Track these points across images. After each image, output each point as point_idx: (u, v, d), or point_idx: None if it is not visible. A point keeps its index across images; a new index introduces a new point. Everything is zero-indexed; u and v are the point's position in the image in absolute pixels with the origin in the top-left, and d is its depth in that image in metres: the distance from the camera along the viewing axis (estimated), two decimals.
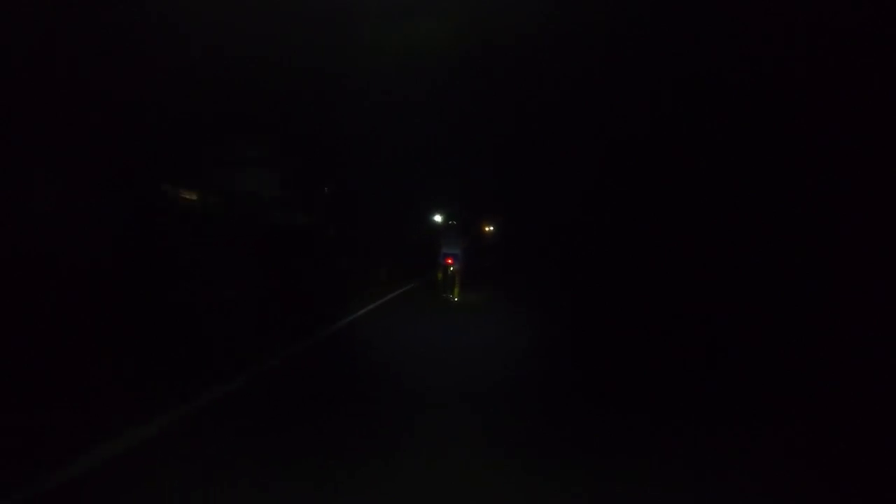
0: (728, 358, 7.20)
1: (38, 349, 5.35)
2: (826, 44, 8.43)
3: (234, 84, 11.10)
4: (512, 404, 5.17)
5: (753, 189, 10.27)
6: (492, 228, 39.95)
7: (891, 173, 7.68)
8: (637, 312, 11.52)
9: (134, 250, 7.99)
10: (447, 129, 22.15)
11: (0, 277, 5.98)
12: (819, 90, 8.87)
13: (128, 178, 8.95)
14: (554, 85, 15.87)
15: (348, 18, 11.43)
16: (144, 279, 7.75)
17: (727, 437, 4.18)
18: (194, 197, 12.51)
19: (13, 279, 6.05)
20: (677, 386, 5.91)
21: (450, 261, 14.22)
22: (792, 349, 7.19)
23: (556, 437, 4.23)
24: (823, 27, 8.34)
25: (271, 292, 10.70)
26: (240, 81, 11.19)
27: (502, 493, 3.20)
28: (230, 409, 4.73)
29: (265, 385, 5.56)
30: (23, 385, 4.75)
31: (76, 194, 7.61)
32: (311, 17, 10.88)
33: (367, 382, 5.98)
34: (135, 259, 7.87)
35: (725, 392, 5.58)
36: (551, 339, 9.39)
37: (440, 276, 14.44)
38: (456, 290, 14.22)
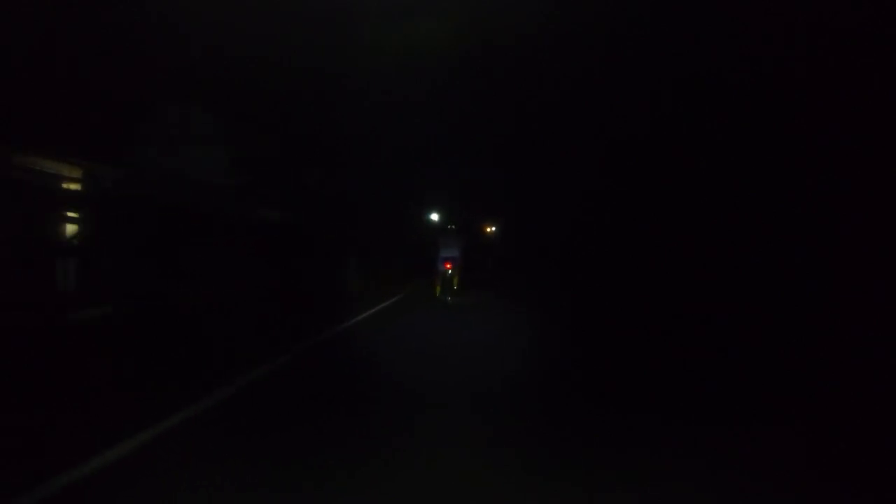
0: (728, 358, 7.20)
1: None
2: (826, 44, 8.43)
3: (233, 84, 11.08)
4: (512, 404, 5.17)
5: (753, 189, 10.27)
6: (493, 229, 39.17)
7: (891, 173, 7.68)
8: (637, 312, 11.53)
9: None
10: (447, 129, 22.13)
11: None
12: (819, 90, 8.87)
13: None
14: (554, 85, 15.86)
15: (348, 18, 11.42)
16: None
17: (727, 437, 4.18)
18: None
19: None
20: (677, 386, 5.91)
21: (448, 265, 14.34)
22: (792, 349, 7.19)
23: (556, 436, 4.23)
24: (823, 27, 8.34)
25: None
26: (240, 81, 11.17)
27: (502, 493, 3.20)
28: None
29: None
30: (23, 388, 4.75)
31: None
32: (311, 17, 10.88)
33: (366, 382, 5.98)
34: None
35: (725, 392, 5.57)
36: (551, 339, 9.39)
37: (439, 279, 14.52)
38: (454, 293, 14.26)
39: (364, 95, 15.91)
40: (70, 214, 8.20)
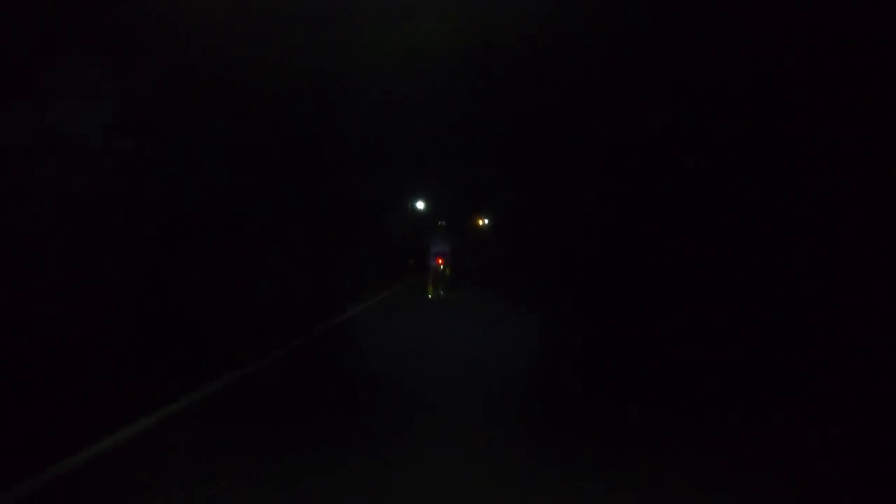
0: (728, 358, 7.20)
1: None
2: (826, 44, 8.43)
3: (233, 84, 11.08)
4: (511, 404, 5.17)
5: (753, 189, 10.27)
6: (485, 222, 38.13)
7: (891, 173, 7.68)
8: (637, 312, 11.52)
9: None
10: (447, 129, 22.12)
11: None
12: (819, 90, 8.87)
13: None
14: (554, 85, 15.86)
15: (348, 18, 11.42)
16: None
17: (727, 437, 4.18)
18: None
19: None
20: (677, 386, 5.91)
21: (440, 260, 14.52)
22: (792, 349, 7.19)
23: (555, 436, 4.23)
24: (823, 27, 8.34)
25: None
26: (239, 81, 11.16)
27: (502, 492, 3.20)
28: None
29: None
30: (20, 382, 4.75)
31: None
32: (311, 17, 10.87)
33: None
34: None
35: (725, 392, 5.57)
36: (550, 338, 9.38)
37: (431, 275, 14.66)
38: (446, 288, 14.35)
39: (364, 95, 15.91)
40: None
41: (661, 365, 6.93)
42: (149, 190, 9.53)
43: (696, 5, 10.35)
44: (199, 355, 6.65)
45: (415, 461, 3.62)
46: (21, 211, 6.80)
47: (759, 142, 10.29)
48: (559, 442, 4.10)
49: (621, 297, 13.41)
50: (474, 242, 30.06)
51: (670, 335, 8.99)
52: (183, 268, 9.34)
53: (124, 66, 8.58)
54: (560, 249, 20.93)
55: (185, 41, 9.48)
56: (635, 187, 14.78)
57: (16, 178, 6.77)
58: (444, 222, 15.91)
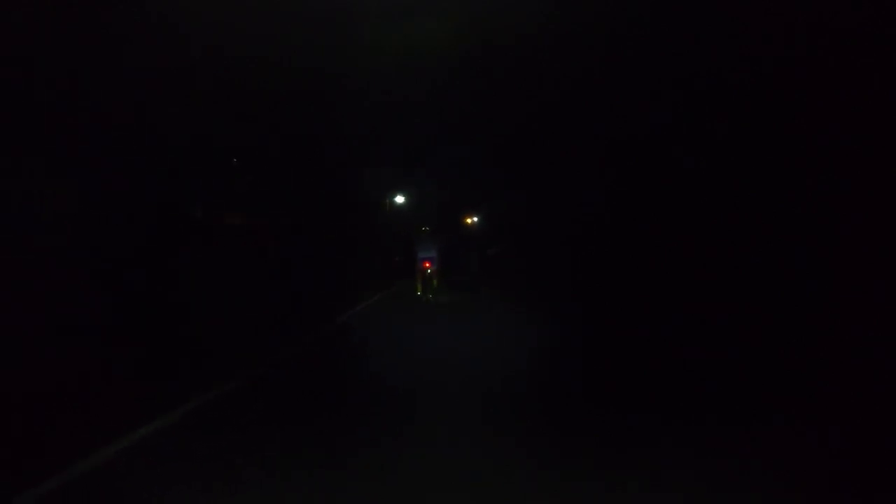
0: (728, 358, 7.20)
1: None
2: (826, 44, 8.42)
3: (233, 84, 11.07)
4: (511, 405, 5.16)
5: (753, 189, 10.26)
6: (475, 220, 35.92)
7: (891, 173, 7.68)
8: (637, 312, 11.52)
9: None
10: (446, 129, 22.13)
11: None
12: (819, 90, 8.86)
13: None
14: (554, 85, 15.86)
15: (348, 18, 11.42)
16: None
17: (727, 437, 4.18)
18: None
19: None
20: (677, 386, 5.91)
21: (427, 264, 14.72)
22: (792, 349, 7.19)
23: (555, 436, 4.23)
24: (823, 27, 8.34)
25: None
26: (239, 81, 11.16)
27: (502, 492, 3.20)
28: None
29: None
30: (28, 383, 4.76)
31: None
32: (311, 17, 10.87)
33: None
34: None
35: (725, 392, 5.57)
36: (549, 338, 9.38)
37: (418, 278, 14.82)
38: (433, 291, 14.44)
39: (364, 95, 15.91)
40: None
41: (661, 365, 6.93)
42: (149, 190, 9.52)
43: (696, 5, 10.35)
44: (198, 359, 6.65)
45: (415, 462, 3.62)
46: (21, 211, 6.80)
47: (759, 142, 10.28)
48: (559, 442, 4.10)
49: (621, 297, 13.40)
50: (463, 244, 27.91)
51: (670, 335, 8.99)
52: (181, 268, 9.33)
53: (124, 66, 8.58)
54: (559, 249, 20.90)
55: (186, 41, 9.47)
56: (635, 187, 14.77)
57: (13, 178, 6.76)
58: (427, 228, 16.02)
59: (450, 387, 5.74)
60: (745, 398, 5.35)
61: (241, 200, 14.00)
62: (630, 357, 7.54)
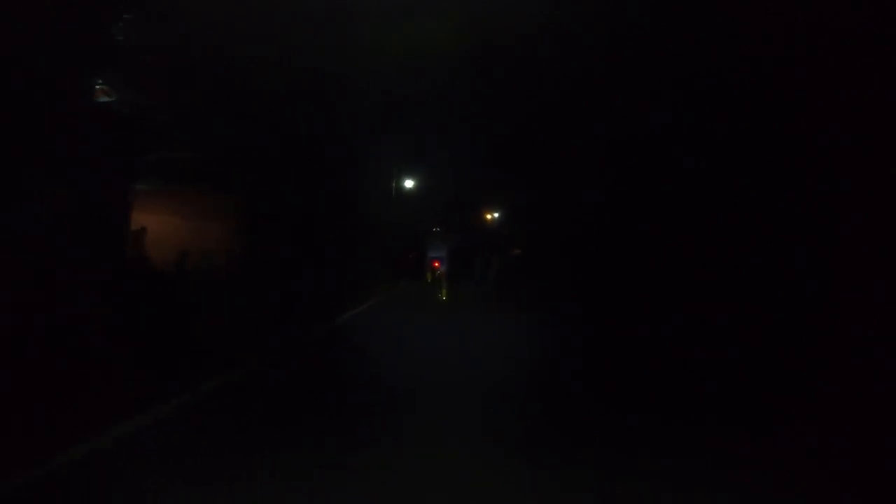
0: (728, 358, 7.20)
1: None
2: (826, 44, 8.42)
3: (234, 84, 11.07)
4: (512, 404, 5.16)
5: (753, 189, 10.26)
6: (495, 216, 31.44)
7: (891, 173, 7.68)
8: (637, 312, 11.52)
9: None
10: (446, 128, 22.12)
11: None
12: (819, 90, 8.86)
13: None
14: (554, 85, 15.86)
15: (348, 18, 11.42)
16: None
17: (727, 437, 4.18)
18: None
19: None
20: (677, 386, 5.91)
21: (437, 264, 14.98)
22: (792, 349, 7.19)
23: (555, 435, 4.22)
24: (823, 27, 8.34)
25: None
26: (239, 81, 11.15)
27: (502, 492, 3.20)
28: None
29: None
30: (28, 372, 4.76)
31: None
32: (311, 17, 10.87)
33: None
34: None
35: (725, 392, 5.57)
36: (550, 338, 9.38)
37: (429, 277, 15.06)
38: (444, 291, 14.55)
39: (364, 95, 15.90)
40: None
41: (661, 365, 6.93)
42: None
43: (696, 5, 10.35)
44: (198, 358, 6.62)
45: (415, 459, 3.62)
46: (21, 210, 6.78)
47: (759, 142, 10.28)
48: (559, 442, 4.09)
49: (621, 297, 13.40)
50: (476, 243, 25.19)
51: (670, 335, 8.99)
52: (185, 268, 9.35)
53: (124, 66, 8.58)
54: (559, 249, 20.88)
55: (186, 41, 9.47)
56: (635, 187, 14.78)
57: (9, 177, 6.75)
58: (438, 228, 16.07)
59: (451, 387, 5.74)
60: (745, 398, 5.35)
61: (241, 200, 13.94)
62: (630, 357, 7.54)
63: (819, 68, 8.72)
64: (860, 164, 8.20)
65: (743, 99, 10.32)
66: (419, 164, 25.40)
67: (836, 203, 8.55)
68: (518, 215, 26.15)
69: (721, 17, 9.87)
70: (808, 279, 8.55)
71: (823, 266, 8.46)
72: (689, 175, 12.20)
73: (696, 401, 5.29)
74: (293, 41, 11.10)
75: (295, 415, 4.67)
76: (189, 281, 9.96)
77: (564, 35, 12.77)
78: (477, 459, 3.69)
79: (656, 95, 12.77)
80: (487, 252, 23.77)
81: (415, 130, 21.60)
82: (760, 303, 9.08)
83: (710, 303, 9.87)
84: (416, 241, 22.72)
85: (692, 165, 12.04)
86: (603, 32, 12.44)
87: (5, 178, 6.47)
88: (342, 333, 9.77)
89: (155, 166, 10.97)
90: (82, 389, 4.84)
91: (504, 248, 24.92)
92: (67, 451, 3.49)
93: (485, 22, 11.97)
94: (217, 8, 9.27)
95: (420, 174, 26.43)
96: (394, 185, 24.47)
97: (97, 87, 8.60)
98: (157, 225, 12.03)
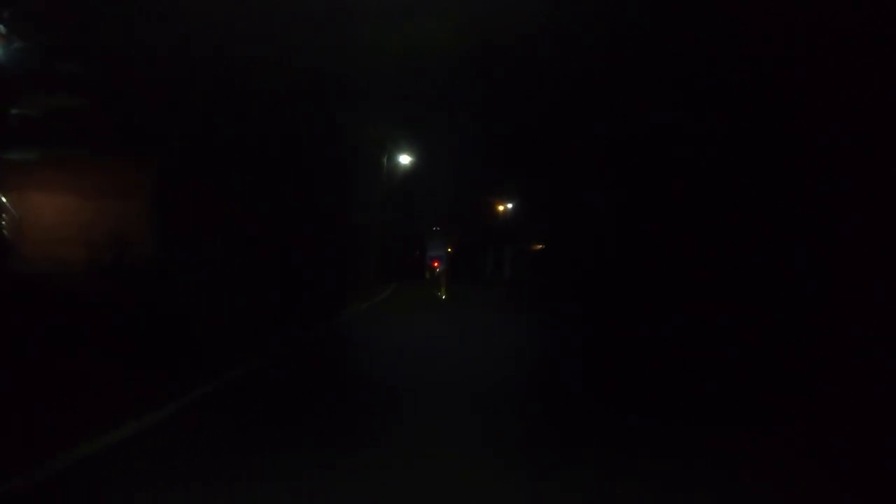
0: (728, 358, 7.20)
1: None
2: (826, 44, 8.42)
3: (234, 84, 11.04)
4: (511, 404, 5.16)
5: (753, 189, 10.26)
6: (508, 207, 27.24)
7: (891, 173, 7.68)
8: (637, 312, 11.51)
9: None
10: (446, 128, 22.09)
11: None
12: (819, 90, 8.86)
13: None
14: (554, 85, 15.87)
15: (348, 18, 11.42)
16: None
17: (727, 437, 4.18)
18: None
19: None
20: (677, 386, 5.91)
21: (436, 263, 14.98)
22: (792, 349, 7.19)
23: (555, 436, 4.22)
24: (823, 27, 8.34)
25: None
26: (239, 81, 11.12)
27: (502, 493, 3.19)
28: None
29: None
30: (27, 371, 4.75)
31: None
32: (311, 17, 10.87)
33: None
34: None
35: (725, 392, 5.57)
36: (550, 338, 9.38)
37: (428, 275, 15.07)
38: (443, 289, 14.59)
39: (364, 95, 15.89)
40: None
41: (661, 365, 6.93)
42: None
43: (696, 5, 10.36)
44: (190, 358, 6.59)
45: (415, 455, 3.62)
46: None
47: (759, 142, 10.28)
48: (559, 441, 4.09)
49: (621, 297, 13.39)
50: (492, 234, 21.89)
51: (670, 335, 8.99)
52: (184, 266, 9.22)
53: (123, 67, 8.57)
54: (559, 249, 20.85)
55: (186, 41, 9.46)
56: (634, 187, 14.77)
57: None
58: (437, 228, 15.98)
59: (449, 387, 5.73)
60: (745, 398, 5.35)
61: (241, 201, 13.04)
62: (630, 357, 7.54)
63: (819, 68, 8.72)
64: (860, 164, 8.20)
65: (743, 99, 10.32)
66: (417, 142, 22.62)
67: (835, 203, 8.55)
68: (536, 206, 22.66)
69: (721, 17, 9.87)
70: (808, 279, 8.55)
71: (823, 266, 8.46)
72: (689, 175, 12.20)
73: (696, 401, 5.29)
74: (293, 41, 11.09)
75: (291, 416, 4.66)
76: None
77: (564, 35, 12.79)
78: (477, 459, 3.68)
79: (656, 95, 12.77)
80: (501, 245, 21.50)
81: (414, 131, 21.48)
82: (760, 303, 9.08)
83: (710, 303, 9.87)
84: (417, 240, 22.02)
85: (692, 165, 12.04)
86: (603, 32, 12.46)
87: None
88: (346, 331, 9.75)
89: (39, 126, 8.61)
90: None
91: (519, 242, 22.16)
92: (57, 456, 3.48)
93: (485, 22, 11.98)
94: (217, 8, 9.26)
95: (418, 150, 22.39)
96: (385, 162, 20.35)
97: None
98: (50, 207, 9.59)
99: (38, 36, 8.02)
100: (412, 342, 8.82)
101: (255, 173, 11.27)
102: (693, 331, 9.05)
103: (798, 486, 3.35)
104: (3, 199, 8.88)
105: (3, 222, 8.79)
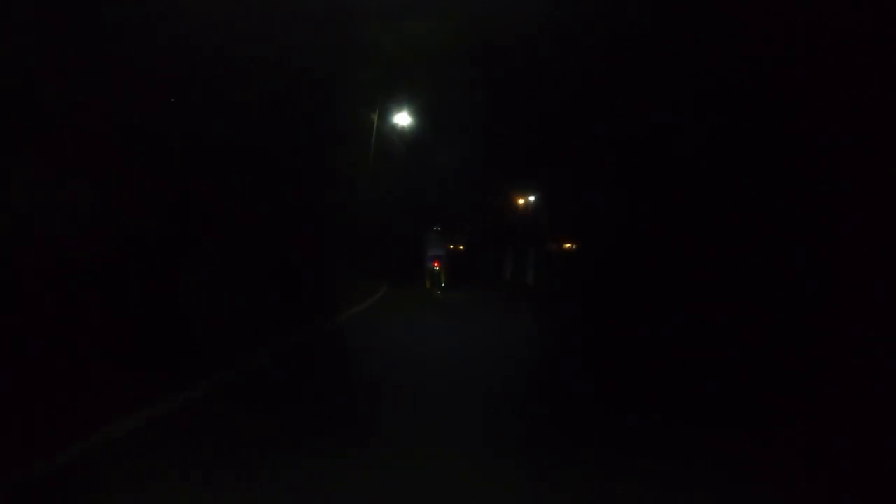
0: (728, 358, 7.20)
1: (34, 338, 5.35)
2: (826, 44, 8.43)
3: (233, 84, 11.04)
4: (511, 404, 5.15)
5: (753, 189, 10.27)
6: (530, 200, 23.18)
7: (891, 173, 7.68)
8: (637, 313, 11.52)
9: None
10: (445, 129, 22.05)
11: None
12: (819, 90, 8.87)
13: None
14: (554, 85, 15.88)
15: (348, 18, 11.42)
16: None
17: (727, 437, 4.18)
18: None
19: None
20: (677, 386, 5.91)
21: (436, 263, 14.96)
22: (792, 349, 7.19)
23: (555, 436, 4.22)
24: (823, 27, 8.35)
25: None
26: (238, 81, 11.12)
27: (502, 496, 3.19)
28: None
29: None
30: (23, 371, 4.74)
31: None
32: (311, 17, 10.88)
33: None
34: None
35: (725, 392, 5.57)
36: (550, 339, 9.37)
37: (428, 275, 15.06)
38: (443, 288, 14.60)
39: (364, 96, 15.88)
40: None
41: (662, 365, 6.93)
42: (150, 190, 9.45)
43: (696, 5, 10.37)
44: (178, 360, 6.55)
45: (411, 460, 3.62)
46: (21, 210, 6.77)
47: (760, 142, 10.28)
48: (559, 442, 4.09)
49: (621, 297, 13.39)
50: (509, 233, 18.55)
51: (670, 335, 8.99)
52: (187, 267, 9.17)
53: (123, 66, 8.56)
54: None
55: (185, 41, 9.46)
56: (635, 187, 14.78)
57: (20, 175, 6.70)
58: (438, 227, 15.79)
59: (449, 387, 5.73)
60: (745, 398, 5.35)
61: (242, 201, 12.74)
62: (630, 357, 7.54)
63: (819, 68, 8.73)
64: (860, 164, 8.21)
65: (743, 99, 10.33)
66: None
67: (836, 203, 8.56)
68: (563, 199, 19.69)
69: (721, 17, 9.88)
70: (808, 279, 8.56)
71: (823, 266, 8.46)
72: (689, 175, 12.21)
73: (696, 401, 5.29)
74: (293, 41, 11.09)
75: (279, 418, 4.65)
76: None
77: (564, 35, 12.80)
78: (477, 459, 3.68)
79: (656, 95, 12.78)
80: (523, 244, 18.54)
81: (414, 131, 21.22)
82: (760, 303, 9.09)
83: (710, 302, 9.87)
84: (413, 241, 20.16)
85: (692, 165, 12.05)
86: (603, 32, 12.47)
87: None
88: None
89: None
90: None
91: (543, 241, 19.29)
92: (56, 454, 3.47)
93: (485, 22, 12.00)
94: (217, 8, 9.25)
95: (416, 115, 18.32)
96: (373, 130, 16.00)
97: None
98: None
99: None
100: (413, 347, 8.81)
101: (244, 168, 11.15)
102: (693, 331, 9.06)
103: (798, 486, 3.35)
104: None
105: None
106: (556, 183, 19.17)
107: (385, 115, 16.75)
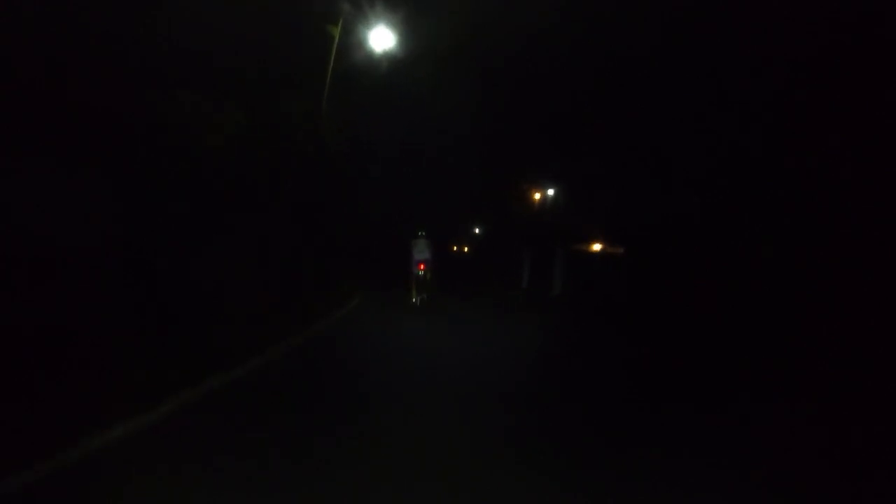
0: (728, 358, 7.20)
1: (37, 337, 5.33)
2: (826, 43, 8.43)
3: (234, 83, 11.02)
4: (511, 405, 5.15)
5: (754, 189, 10.26)
6: (548, 193, 20.02)
7: (891, 173, 7.67)
8: (638, 313, 11.51)
9: None
10: (446, 129, 22.01)
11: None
12: (819, 92, 8.86)
13: None
14: (555, 85, 15.88)
15: (348, 18, 11.41)
16: None
17: (727, 437, 4.18)
18: None
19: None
20: (677, 386, 5.91)
21: (422, 266, 14.91)
22: (792, 349, 7.19)
23: (555, 436, 4.21)
24: (823, 27, 8.34)
25: None
26: (240, 81, 11.10)
27: (500, 496, 3.18)
28: None
29: None
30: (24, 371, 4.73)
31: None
32: (314, 17, 10.88)
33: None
34: None
35: (725, 392, 5.57)
36: (550, 339, 9.37)
37: (413, 281, 14.92)
38: (426, 293, 14.51)
39: (364, 97, 15.87)
40: None
41: (661, 365, 6.93)
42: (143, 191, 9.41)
43: (696, 8, 10.37)
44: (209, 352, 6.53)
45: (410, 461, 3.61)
46: (20, 211, 6.75)
47: (760, 143, 10.28)
48: (558, 440, 4.09)
49: (622, 298, 13.39)
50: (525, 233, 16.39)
51: (671, 336, 8.99)
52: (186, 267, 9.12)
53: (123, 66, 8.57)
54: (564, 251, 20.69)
55: (186, 41, 9.47)
56: (636, 187, 14.77)
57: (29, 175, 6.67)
58: (423, 233, 15.40)
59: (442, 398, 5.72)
60: (745, 398, 5.35)
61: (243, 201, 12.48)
62: (630, 357, 7.54)
63: (820, 72, 8.72)
64: (860, 163, 8.20)
65: (744, 102, 10.32)
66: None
67: (835, 203, 8.55)
68: (591, 195, 16.38)
69: (721, 17, 9.88)
70: (810, 280, 8.55)
71: (823, 266, 8.46)
72: (690, 175, 12.20)
73: (696, 402, 5.28)
74: (293, 41, 11.08)
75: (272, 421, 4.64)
76: None
77: (564, 35, 12.81)
78: (477, 460, 3.67)
79: (657, 96, 12.77)
80: (548, 246, 15.86)
81: (413, 131, 21.06)
82: (761, 303, 9.08)
83: (710, 302, 9.88)
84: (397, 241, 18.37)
85: (693, 166, 12.04)
86: (603, 33, 12.48)
87: None
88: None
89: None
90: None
91: (570, 242, 16.29)
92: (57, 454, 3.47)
93: (484, 22, 12.01)
94: (217, 7, 9.24)
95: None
96: (332, 52, 11.06)
97: None
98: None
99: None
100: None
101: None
102: (693, 331, 9.06)
103: (798, 486, 3.34)
104: None
105: None
106: (582, 175, 16.07)
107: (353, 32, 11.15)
